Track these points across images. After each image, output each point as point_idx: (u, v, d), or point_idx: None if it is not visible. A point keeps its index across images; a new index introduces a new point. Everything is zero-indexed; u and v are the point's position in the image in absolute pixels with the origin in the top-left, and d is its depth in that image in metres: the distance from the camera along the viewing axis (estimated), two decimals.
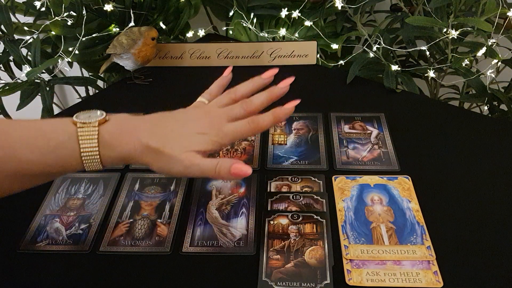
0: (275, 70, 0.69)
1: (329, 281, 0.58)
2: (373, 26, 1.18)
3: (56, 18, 0.96)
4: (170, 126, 0.61)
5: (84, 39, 0.98)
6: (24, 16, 1.09)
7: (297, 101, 0.65)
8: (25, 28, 1.03)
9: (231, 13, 1.11)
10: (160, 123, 0.62)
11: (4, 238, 0.66)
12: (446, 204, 0.69)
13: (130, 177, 0.75)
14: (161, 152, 0.58)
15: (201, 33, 1.11)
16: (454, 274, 0.59)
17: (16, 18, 1.13)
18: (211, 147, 0.60)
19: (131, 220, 0.68)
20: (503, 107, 0.97)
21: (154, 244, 0.64)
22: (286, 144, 0.82)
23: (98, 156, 0.58)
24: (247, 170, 0.58)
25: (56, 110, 1.04)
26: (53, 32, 0.98)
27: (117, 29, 1.03)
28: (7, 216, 0.69)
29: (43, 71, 0.98)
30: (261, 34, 1.10)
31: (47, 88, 0.98)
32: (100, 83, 1.25)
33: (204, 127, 0.61)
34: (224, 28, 1.23)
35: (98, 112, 0.60)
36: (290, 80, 0.67)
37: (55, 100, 1.15)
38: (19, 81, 0.97)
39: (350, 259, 0.61)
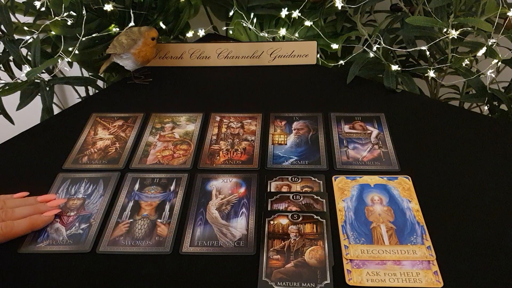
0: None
1: (329, 281, 0.58)
2: (373, 26, 1.18)
3: (56, 18, 0.95)
4: None
5: (84, 39, 0.98)
6: (24, 16, 1.09)
7: (56, 210, 0.69)
8: (25, 28, 1.03)
9: (231, 13, 1.11)
10: None
11: None
12: (446, 204, 0.69)
13: (130, 177, 0.75)
14: None
15: (201, 33, 1.11)
16: (454, 274, 0.59)
17: (16, 18, 1.12)
18: None
19: (131, 220, 0.68)
20: (503, 107, 0.97)
21: (154, 244, 0.64)
22: (286, 144, 0.82)
23: None
24: None
25: (56, 110, 1.04)
26: (53, 32, 0.98)
27: (117, 29, 1.03)
28: None
29: (43, 71, 0.98)
30: (261, 34, 1.10)
31: (47, 88, 0.98)
32: (100, 83, 1.25)
33: None
34: (224, 28, 1.22)
35: None
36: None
37: (55, 100, 1.15)
38: (19, 81, 0.97)
39: (350, 259, 0.61)
